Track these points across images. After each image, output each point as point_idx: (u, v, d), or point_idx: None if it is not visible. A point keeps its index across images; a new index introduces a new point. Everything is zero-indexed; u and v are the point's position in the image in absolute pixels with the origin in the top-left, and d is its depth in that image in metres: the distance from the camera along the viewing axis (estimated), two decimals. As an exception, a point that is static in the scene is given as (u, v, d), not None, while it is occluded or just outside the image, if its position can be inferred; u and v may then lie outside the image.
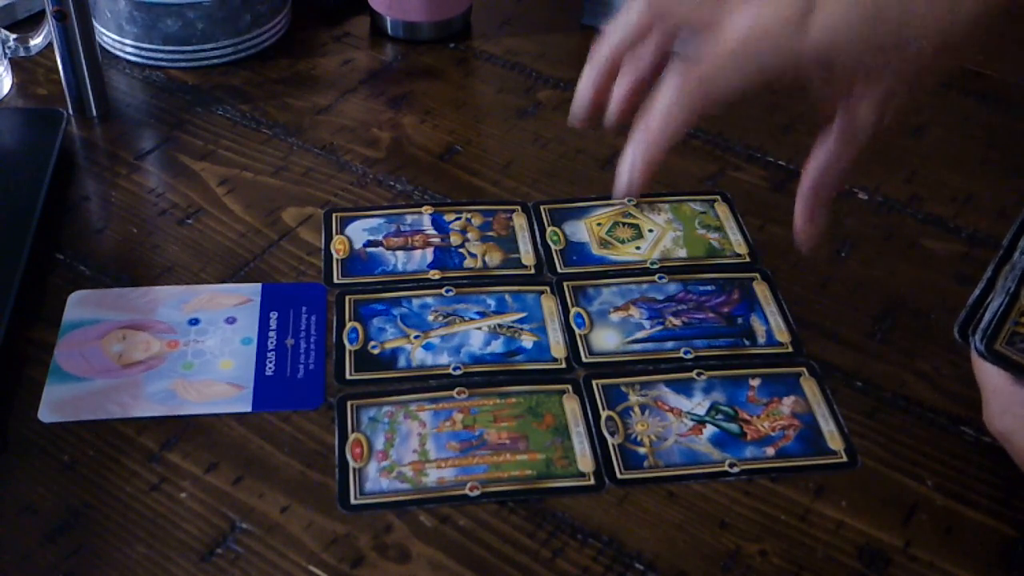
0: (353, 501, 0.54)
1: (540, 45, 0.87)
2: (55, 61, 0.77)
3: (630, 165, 0.50)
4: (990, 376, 0.50)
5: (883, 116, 0.49)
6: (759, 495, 0.55)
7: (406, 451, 0.57)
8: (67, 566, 0.51)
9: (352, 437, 0.57)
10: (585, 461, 0.56)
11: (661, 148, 0.49)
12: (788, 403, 0.59)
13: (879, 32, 0.47)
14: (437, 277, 0.66)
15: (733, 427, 0.58)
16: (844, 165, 0.52)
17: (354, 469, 0.56)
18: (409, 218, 0.70)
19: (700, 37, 0.49)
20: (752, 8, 0.48)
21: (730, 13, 0.48)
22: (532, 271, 0.67)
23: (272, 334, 0.62)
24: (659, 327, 0.63)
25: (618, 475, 0.56)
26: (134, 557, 0.52)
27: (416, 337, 0.62)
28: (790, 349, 0.62)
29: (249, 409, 0.58)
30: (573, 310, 0.64)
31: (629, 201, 0.72)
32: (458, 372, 0.60)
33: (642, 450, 0.57)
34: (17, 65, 0.82)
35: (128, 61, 0.83)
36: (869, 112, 0.49)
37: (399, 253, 0.68)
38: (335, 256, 0.68)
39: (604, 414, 0.58)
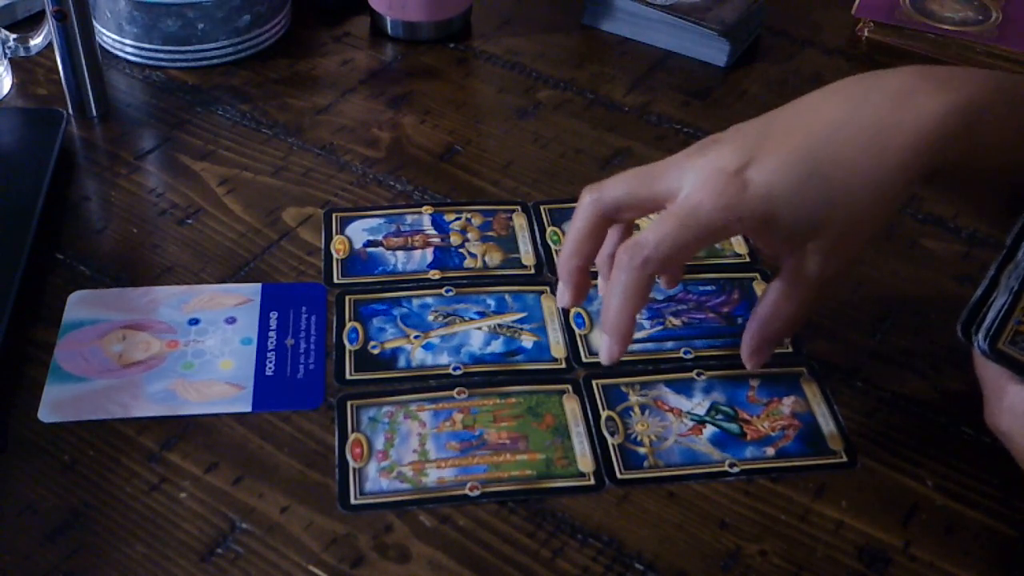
0: (353, 501, 0.54)
1: (540, 45, 0.87)
2: (55, 61, 0.77)
3: (607, 349, 0.55)
4: (992, 375, 0.50)
5: (827, 267, 0.52)
6: (759, 495, 0.55)
7: (406, 451, 0.57)
8: (67, 566, 0.51)
9: (352, 437, 0.57)
10: (585, 461, 0.56)
11: (626, 329, 0.54)
12: (788, 403, 0.59)
13: (814, 186, 0.50)
14: (437, 277, 0.66)
15: (733, 427, 0.58)
16: (792, 311, 0.54)
17: (354, 469, 0.56)
18: (409, 218, 0.70)
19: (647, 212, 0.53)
20: (689, 169, 0.52)
21: (667, 179, 0.52)
22: (532, 271, 0.67)
23: (272, 334, 0.62)
24: (659, 327, 0.63)
25: (618, 475, 0.56)
26: (134, 557, 0.52)
27: (416, 337, 0.62)
28: (790, 349, 0.62)
29: (249, 409, 0.58)
30: (573, 310, 0.64)
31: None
32: (458, 372, 0.60)
33: (642, 450, 0.57)
34: (17, 65, 0.82)
35: (128, 61, 0.83)
36: (814, 263, 0.52)
37: (399, 253, 0.68)
38: (335, 256, 0.68)
39: (604, 414, 0.58)
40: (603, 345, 0.56)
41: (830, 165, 0.50)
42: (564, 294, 0.58)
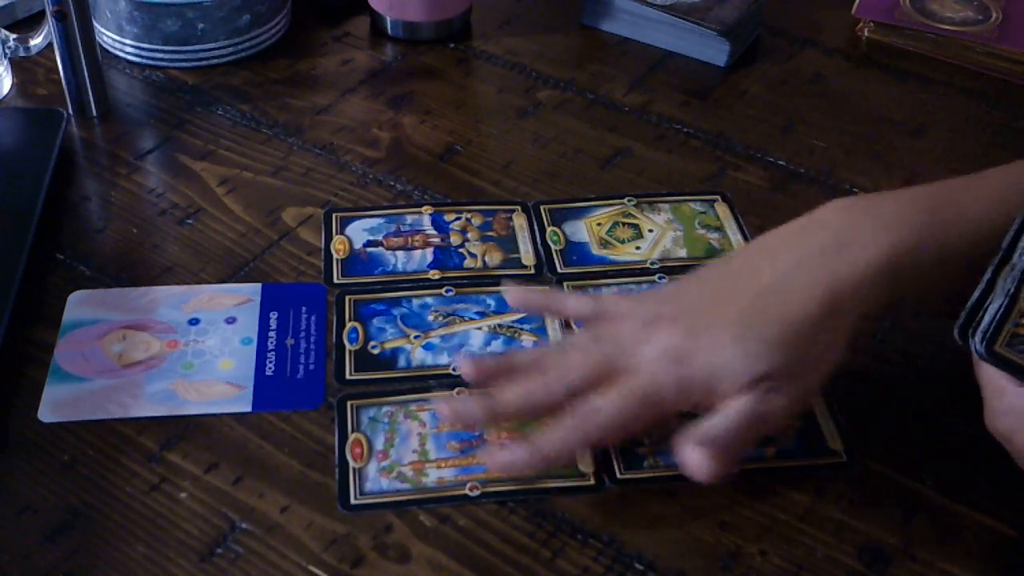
0: (353, 501, 0.54)
1: (540, 45, 0.87)
2: (55, 61, 0.77)
3: (514, 467, 0.54)
4: (990, 377, 0.50)
5: (772, 403, 0.53)
6: (759, 495, 0.55)
7: (406, 451, 0.56)
8: (67, 566, 0.51)
9: (352, 437, 0.57)
10: (585, 461, 0.56)
11: (547, 461, 0.54)
12: (788, 403, 0.59)
13: (754, 348, 0.52)
14: (437, 277, 0.66)
15: (733, 427, 0.58)
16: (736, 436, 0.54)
17: (354, 469, 0.56)
18: (409, 218, 0.70)
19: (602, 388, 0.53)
20: (644, 352, 0.53)
21: (627, 358, 0.54)
22: (532, 271, 0.67)
23: (272, 334, 0.62)
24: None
25: (618, 475, 0.56)
26: (134, 557, 0.52)
27: (416, 337, 0.62)
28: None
29: (249, 409, 0.58)
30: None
31: (629, 201, 0.72)
32: (458, 372, 0.60)
33: (642, 450, 0.57)
34: (17, 65, 0.82)
35: (128, 61, 0.83)
36: (763, 402, 0.52)
37: (399, 253, 0.68)
38: (335, 256, 0.68)
39: (604, 414, 0.58)
40: (510, 455, 0.54)
41: (764, 323, 0.53)
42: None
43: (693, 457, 0.52)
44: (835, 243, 0.53)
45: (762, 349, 0.52)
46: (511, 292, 0.60)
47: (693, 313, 0.54)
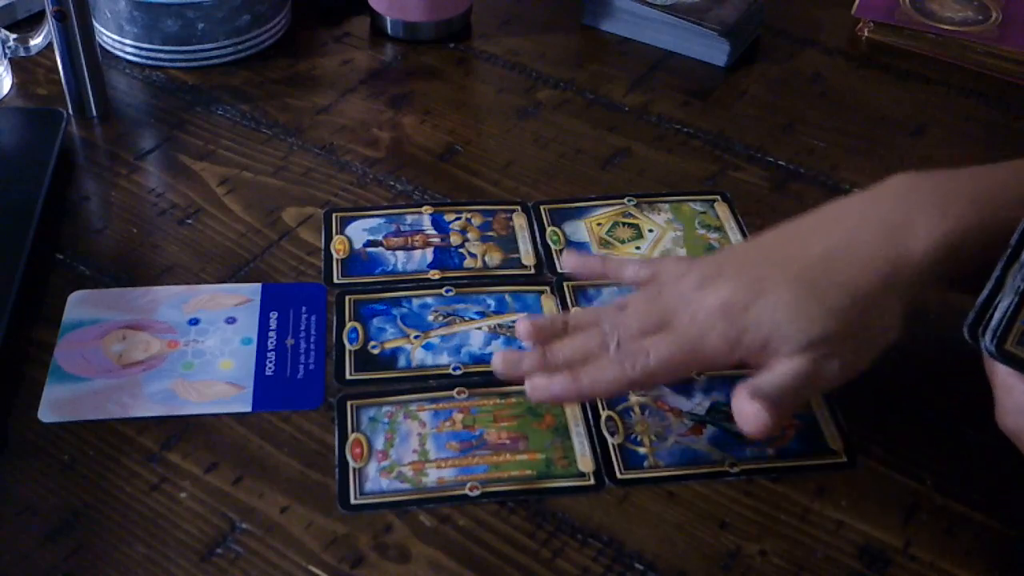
0: (353, 501, 0.54)
1: (540, 45, 0.87)
2: (55, 61, 0.77)
3: (549, 393, 0.54)
4: (1001, 375, 0.50)
5: (823, 374, 0.53)
6: (759, 495, 0.55)
7: (406, 451, 0.56)
8: (67, 566, 0.51)
9: (352, 437, 0.57)
10: (585, 461, 0.56)
11: (578, 399, 0.55)
12: (788, 403, 0.59)
13: (812, 309, 0.52)
14: (437, 277, 0.66)
15: (733, 427, 0.58)
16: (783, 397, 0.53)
17: (354, 469, 0.56)
18: (409, 218, 0.70)
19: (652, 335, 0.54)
20: (698, 304, 0.53)
21: (677, 312, 0.54)
22: (532, 271, 0.67)
23: (272, 334, 0.62)
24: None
25: (618, 475, 0.56)
26: (134, 557, 0.52)
27: (416, 337, 0.62)
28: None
29: (249, 409, 0.58)
30: (573, 310, 0.64)
31: (629, 201, 0.72)
32: (458, 372, 0.60)
33: (642, 450, 0.57)
34: (17, 65, 0.82)
35: (128, 61, 0.83)
36: (813, 368, 0.53)
37: (399, 253, 0.68)
38: (335, 256, 0.68)
39: (604, 414, 0.58)
40: (552, 382, 0.54)
41: (827, 288, 0.53)
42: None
43: (749, 409, 0.51)
44: (902, 219, 0.53)
45: (822, 314, 0.52)
46: (570, 256, 0.61)
47: (755, 270, 0.54)
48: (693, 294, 0.54)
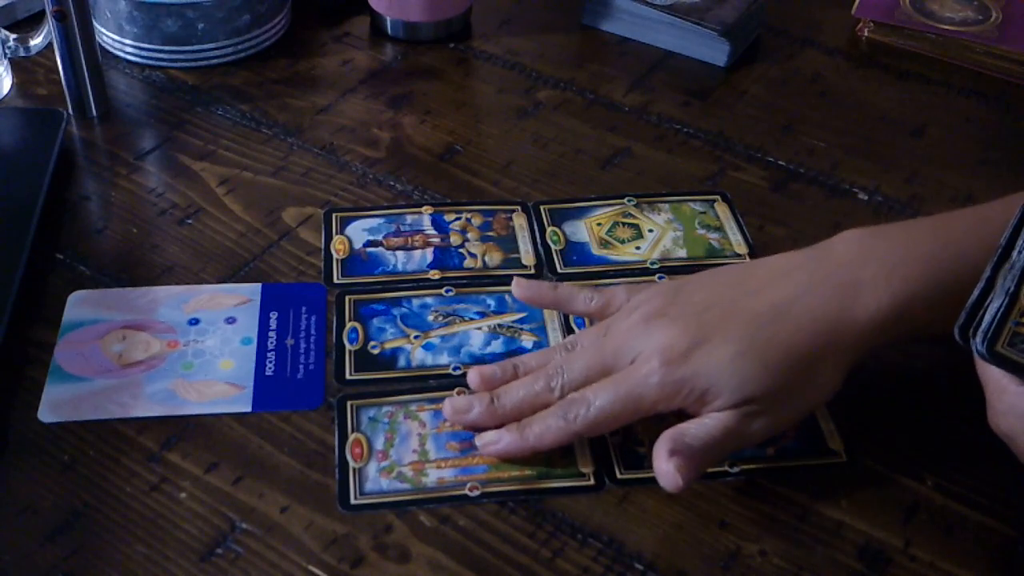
0: (353, 501, 0.54)
1: (540, 45, 0.87)
2: (55, 61, 0.77)
3: (497, 449, 0.55)
4: (993, 376, 0.50)
5: (752, 428, 0.53)
6: (759, 495, 0.55)
7: (406, 451, 0.56)
8: (67, 566, 0.51)
9: (352, 437, 0.57)
10: (585, 461, 0.56)
11: (525, 453, 0.55)
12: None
13: (752, 365, 0.53)
14: (437, 277, 0.66)
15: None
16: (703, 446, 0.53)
17: (354, 469, 0.56)
18: (409, 218, 0.70)
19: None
20: (641, 345, 0.54)
21: (620, 353, 0.54)
22: (532, 271, 0.67)
23: (272, 334, 0.62)
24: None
25: (618, 475, 0.56)
26: (134, 557, 0.52)
27: (416, 337, 0.62)
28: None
29: (249, 409, 0.58)
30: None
31: (629, 201, 0.72)
32: (458, 372, 0.60)
33: (642, 450, 0.57)
34: (17, 65, 0.82)
35: (128, 61, 0.83)
36: (743, 424, 0.53)
37: (399, 253, 0.68)
38: (335, 256, 0.68)
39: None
40: (498, 438, 0.55)
41: (767, 345, 0.53)
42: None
43: (665, 468, 0.52)
44: (850, 280, 0.54)
45: (759, 372, 0.52)
46: (519, 286, 0.61)
47: (697, 317, 0.54)
48: (637, 335, 0.54)
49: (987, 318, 0.47)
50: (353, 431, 0.57)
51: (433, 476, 0.55)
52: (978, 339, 0.48)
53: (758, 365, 0.52)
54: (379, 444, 0.57)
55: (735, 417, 0.52)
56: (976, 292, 0.48)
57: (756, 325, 0.53)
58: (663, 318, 0.55)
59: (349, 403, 0.59)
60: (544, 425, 0.54)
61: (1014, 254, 0.47)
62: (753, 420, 0.53)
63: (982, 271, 0.48)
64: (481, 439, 0.56)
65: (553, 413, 0.54)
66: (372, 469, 0.56)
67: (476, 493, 0.55)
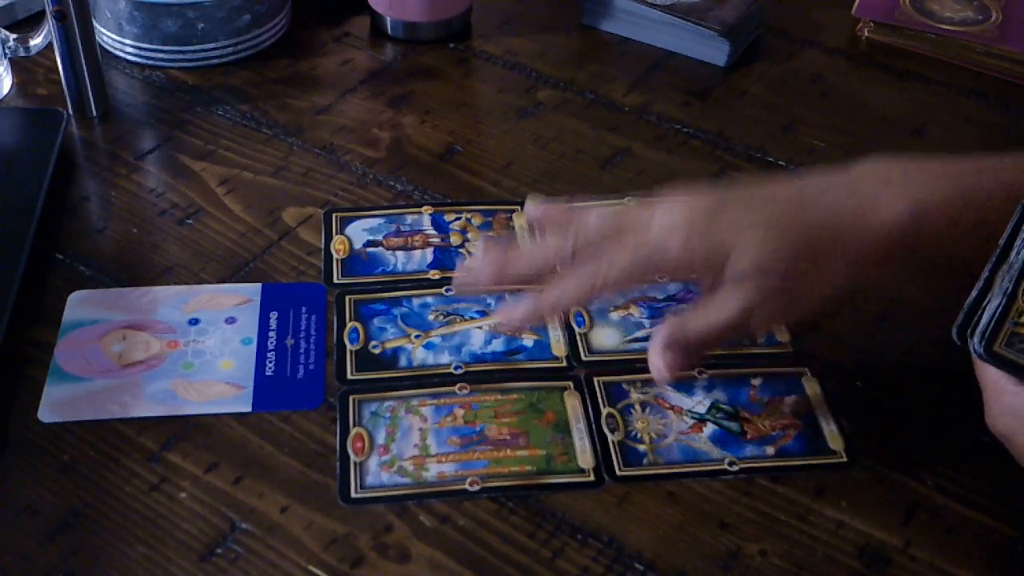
0: (354, 495, 0.54)
1: (540, 45, 0.87)
2: (55, 61, 0.77)
3: (515, 315, 0.56)
4: (991, 377, 0.50)
5: (760, 303, 0.53)
6: (759, 495, 0.55)
7: (407, 445, 0.57)
8: (67, 566, 0.51)
9: (354, 431, 0.57)
10: (585, 457, 0.56)
11: (540, 315, 0.55)
12: (789, 402, 0.59)
13: (773, 236, 0.53)
14: (437, 277, 0.66)
15: (733, 425, 0.58)
16: (713, 323, 0.54)
17: (355, 463, 0.56)
18: (409, 218, 0.70)
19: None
20: (663, 207, 0.54)
21: (639, 215, 0.55)
22: (532, 271, 0.67)
23: (272, 334, 0.62)
24: (659, 326, 0.63)
25: (618, 472, 0.56)
26: (134, 557, 0.52)
27: (417, 336, 0.62)
28: (790, 349, 0.62)
29: (249, 409, 0.58)
30: (574, 309, 0.64)
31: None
32: (459, 371, 0.60)
33: (642, 447, 0.57)
34: (17, 65, 0.82)
35: (128, 61, 0.83)
36: (751, 296, 0.53)
37: (399, 253, 0.68)
38: (335, 256, 0.68)
39: (605, 411, 0.59)
40: (519, 307, 0.55)
41: (794, 227, 0.53)
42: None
43: (655, 361, 0.54)
44: (868, 188, 0.54)
45: (780, 244, 0.52)
46: (531, 207, 0.60)
47: (725, 193, 0.55)
48: (659, 205, 0.54)
49: (985, 318, 0.48)
50: (355, 425, 0.57)
51: (434, 470, 0.55)
52: (976, 339, 0.48)
53: (780, 238, 0.52)
54: (380, 438, 0.57)
55: (745, 295, 0.52)
56: (974, 293, 0.48)
57: (781, 205, 0.54)
58: (690, 196, 0.55)
59: (351, 398, 0.59)
60: (567, 285, 0.54)
61: (1012, 255, 0.47)
62: (762, 300, 0.53)
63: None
64: (501, 311, 0.56)
65: (576, 274, 0.54)
66: (373, 463, 0.56)
67: (476, 488, 0.55)
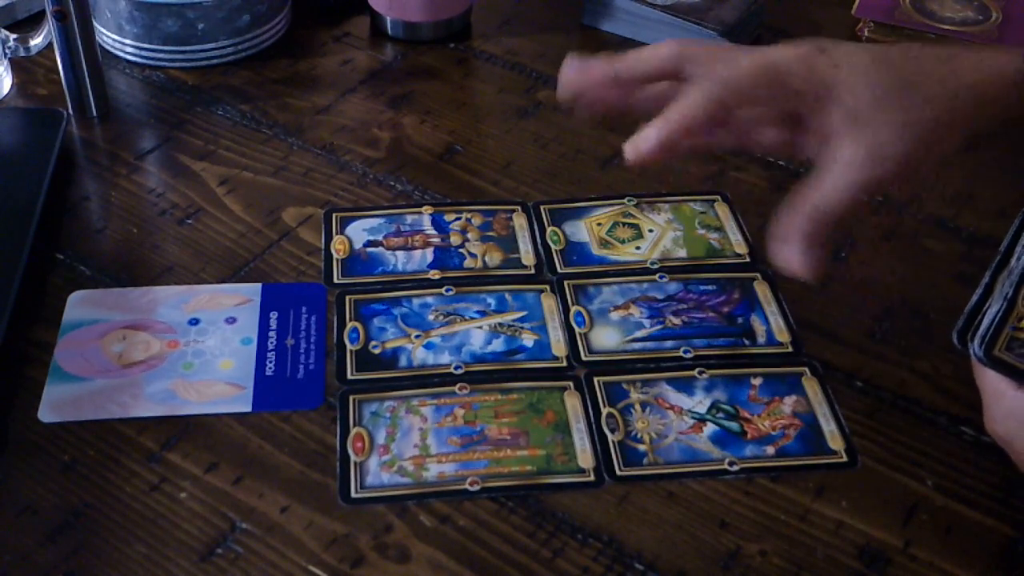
0: (354, 495, 0.54)
1: (540, 45, 0.87)
2: (55, 61, 0.77)
3: (647, 139, 0.52)
4: (990, 381, 0.50)
5: (869, 160, 0.51)
6: (759, 495, 0.55)
7: (407, 445, 0.57)
8: (67, 566, 0.51)
9: (354, 431, 0.57)
10: (585, 457, 0.56)
11: (676, 133, 0.52)
12: (789, 403, 0.59)
13: (883, 73, 0.51)
14: (437, 277, 0.66)
15: (733, 425, 0.58)
16: (826, 195, 0.53)
17: (355, 463, 0.56)
18: (409, 218, 0.70)
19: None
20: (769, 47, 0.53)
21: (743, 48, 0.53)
22: (532, 271, 0.67)
23: (272, 334, 0.62)
24: (659, 326, 0.63)
25: (618, 472, 0.56)
26: (134, 557, 0.52)
27: (417, 336, 0.62)
28: (790, 349, 0.62)
29: (249, 409, 0.58)
30: (573, 308, 0.64)
31: (629, 201, 0.72)
32: (459, 371, 0.60)
33: (642, 447, 0.57)
34: (17, 65, 0.82)
35: (128, 61, 0.83)
36: (860, 152, 0.51)
37: (399, 253, 0.68)
38: (335, 256, 0.68)
39: (605, 411, 0.59)
40: (638, 139, 0.53)
41: (903, 63, 0.52)
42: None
43: (791, 259, 0.51)
44: (973, 51, 0.54)
45: (894, 84, 0.51)
46: (569, 66, 0.57)
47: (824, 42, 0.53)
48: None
49: (985, 322, 0.48)
50: (355, 425, 0.57)
51: (434, 470, 0.55)
52: (976, 343, 0.48)
53: (894, 77, 0.51)
54: (380, 438, 0.57)
55: (859, 143, 0.50)
56: (975, 297, 0.48)
57: (885, 51, 0.53)
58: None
59: (351, 398, 0.59)
60: (682, 98, 0.52)
61: (1013, 260, 0.47)
62: (879, 157, 0.50)
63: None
64: (630, 144, 0.53)
65: (688, 85, 0.52)
66: (373, 463, 0.56)
67: (476, 488, 0.55)
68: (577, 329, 0.63)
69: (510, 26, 0.90)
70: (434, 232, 0.69)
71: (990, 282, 0.48)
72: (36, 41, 0.79)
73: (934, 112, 0.51)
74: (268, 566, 0.51)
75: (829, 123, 0.52)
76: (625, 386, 0.60)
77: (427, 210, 0.71)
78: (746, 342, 0.63)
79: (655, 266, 0.67)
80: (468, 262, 0.67)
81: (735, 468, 0.56)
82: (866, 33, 0.88)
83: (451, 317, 0.64)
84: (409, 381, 0.60)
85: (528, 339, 0.63)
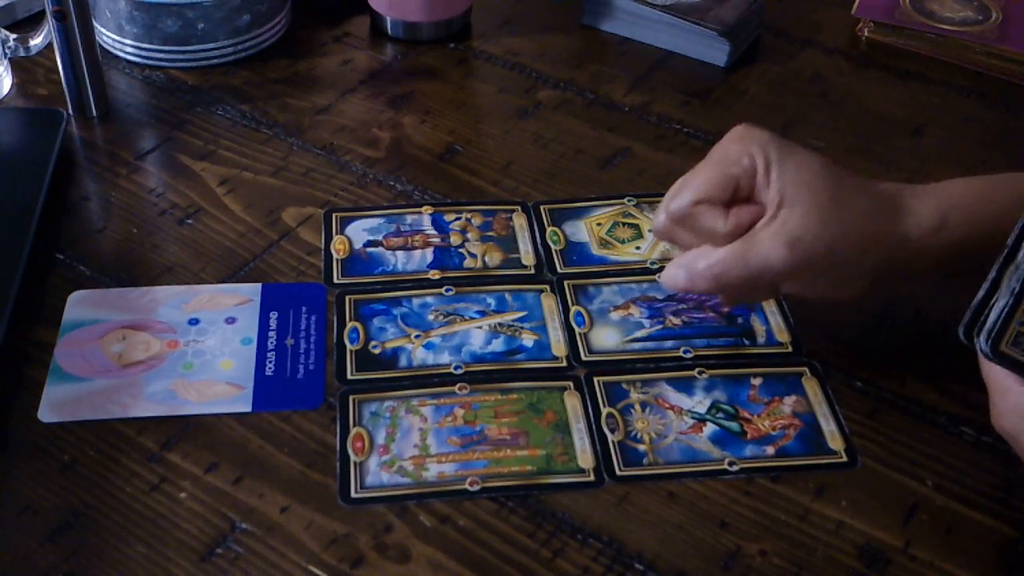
0: (354, 495, 0.54)
1: (540, 45, 0.87)
2: (55, 61, 0.77)
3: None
4: (997, 376, 0.50)
5: (777, 246, 0.56)
6: (759, 495, 0.55)
7: (407, 445, 0.57)
8: (67, 566, 0.51)
9: (354, 431, 0.57)
10: (585, 457, 0.56)
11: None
12: (789, 402, 0.59)
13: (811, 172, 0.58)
14: (437, 277, 0.66)
15: (733, 425, 0.58)
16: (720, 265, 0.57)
17: (355, 463, 0.56)
18: (409, 218, 0.70)
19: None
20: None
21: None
22: (532, 271, 0.67)
23: (272, 334, 0.62)
24: (659, 326, 0.63)
25: (618, 472, 0.56)
26: (134, 557, 0.52)
27: (417, 336, 0.62)
28: (790, 349, 0.62)
29: (249, 409, 0.58)
30: (573, 308, 0.64)
31: (629, 201, 0.72)
32: (459, 371, 0.60)
33: (642, 447, 0.57)
34: (17, 65, 0.82)
35: (128, 61, 0.83)
36: (779, 236, 0.56)
37: (399, 253, 0.68)
38: (335, 256, 0.68)
39: (605, 411, 0.59)
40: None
41: (844, 201, 0.57)
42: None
43: (670, 273, 0.57)
44: (893, 192, 0.59)
45: (835, 216, 0.56)
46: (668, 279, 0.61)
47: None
48: None
49: (992, 317, 0.48)
50: (355, 425, 0.57)
51: (434, 470, 0.55)
52: (982, 338, 0.48)
53: (837, 211, 0.56)
54: (380, 438, 0.57)
55: (778, 239, 0.55)
56: (981, 292, 0.48)
57: (833, 181, 0.58)
58: None
59: (351, 398, 0.59)
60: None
61: (1020, 255, 0.47)
62: (786, 250, 0.55)
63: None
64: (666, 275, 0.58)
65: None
66: (373, 463, 0.56)
67: (476, 488, 0.55)
68: (577, 329, 0.63)
69: (510, 26, 0.90)
70: (434, 232, 0.69)
71: (997, 277, 0.48)
72: (36, 41, 0.79)
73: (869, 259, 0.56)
74: (268, 566, 0.51)
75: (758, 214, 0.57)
76: (625, 386, 0.60)
77: (427, 210, 0.71)
78: (746, 342, 0.63)
79: (655, 266, 0.67)
80: (468, 262, 0.67)
81: (735, 468, 0.56)
82: (866, 33, 0.88)
83: (451, 317, 0.64)
84: (409, 381, 0.60)
85: (528, 339, 0.63)
